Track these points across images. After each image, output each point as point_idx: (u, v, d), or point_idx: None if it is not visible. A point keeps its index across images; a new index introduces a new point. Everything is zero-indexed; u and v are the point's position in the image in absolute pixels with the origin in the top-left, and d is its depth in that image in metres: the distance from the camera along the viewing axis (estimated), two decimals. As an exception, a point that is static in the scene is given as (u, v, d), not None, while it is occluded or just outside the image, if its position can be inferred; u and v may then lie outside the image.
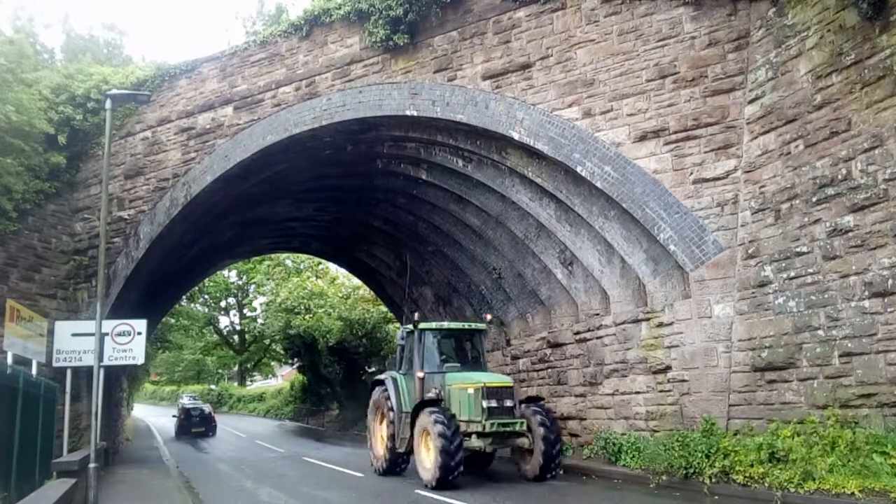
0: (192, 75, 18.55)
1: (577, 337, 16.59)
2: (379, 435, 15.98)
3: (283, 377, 65.55)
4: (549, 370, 17.71)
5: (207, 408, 36.62)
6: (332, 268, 44.31)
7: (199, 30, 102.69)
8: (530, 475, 13.73)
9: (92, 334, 13.72)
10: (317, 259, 41.16)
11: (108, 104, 13.91)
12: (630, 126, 13.79)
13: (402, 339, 16.14)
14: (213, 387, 71.42)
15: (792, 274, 11.37)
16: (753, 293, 12.11)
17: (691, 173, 13.19)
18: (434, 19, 15.93)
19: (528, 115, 14.75)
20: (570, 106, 14.44)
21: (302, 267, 50.77)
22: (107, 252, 15.20)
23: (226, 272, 53.89)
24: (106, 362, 14.44)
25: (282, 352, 47.75)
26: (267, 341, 57.55)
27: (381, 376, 16.61)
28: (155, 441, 31.63)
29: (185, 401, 42.35)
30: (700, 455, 11.50)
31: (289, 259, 51.16)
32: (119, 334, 15.36)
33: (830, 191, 10.82)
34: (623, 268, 15.20)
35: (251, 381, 73.84)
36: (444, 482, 12.75)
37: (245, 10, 77.53)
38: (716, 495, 10.86)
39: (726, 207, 12.85)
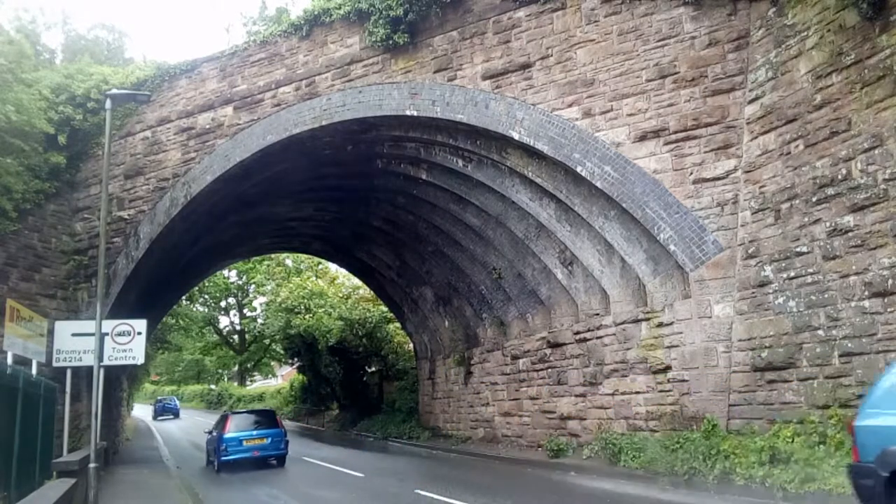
0: (192, 75, 18.55)
1: (577, 337, 16.59)
2: None
3: (283, 377, 65.53)
4: (549, 370, 17.71)
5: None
6: (332, 268, 44.30)
7: (199, 30, 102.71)
8: None
9: (92, 334, 13.72)
10: (317, 259, 41.15)
11: (108, 104, 13.94)
12: (630, 126, 13.79)
13: None
14: (212, 387, 71.40)
15: (792, 274, 11.36)
16: (753, 293, 12.11)
17: (691, 173, 13.19)
18: (434, 19, 15.93)
19: (528, 115, 14.74)
20: (570, 106, 14.43)
21: (302, 267, 50.74)
22: (107, 252, 15.20)
23: (226, 272, 53.86)
24: (106, 362, 14.43)
25: (282, 352, 47.70)
26: (267, 341, 57.50)
27: None
28: (155, 441, 31.62)
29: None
30: (700, 456, 11.49)
31: (289, 259, 51.15)
32: (119, 334, 15.33)
33: (830, 191, 10.81)
34: (623, 268, 15.20)
35: (251, 381, 73.78)
36: None
37: (247, 10, 77.54)
38: (717, 495, 10.86)
39: (726, 207, 12.84)
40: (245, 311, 62.44)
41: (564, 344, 17.14)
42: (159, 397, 61.00)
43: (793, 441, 10.52)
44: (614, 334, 15.19)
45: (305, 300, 36.06)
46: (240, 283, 59.51)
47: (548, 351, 17.90)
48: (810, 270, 11.04)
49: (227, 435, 19.07)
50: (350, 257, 27.94)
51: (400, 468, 17.77)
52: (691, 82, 13.31)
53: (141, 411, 64.97)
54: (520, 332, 19.73)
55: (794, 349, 11.17)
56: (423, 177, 18.61)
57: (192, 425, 39.98)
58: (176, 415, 54.23)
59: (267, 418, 20.78)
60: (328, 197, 21.91)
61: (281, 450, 19.54)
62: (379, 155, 18.52)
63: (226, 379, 75.55)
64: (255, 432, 19.54)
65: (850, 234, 10.43)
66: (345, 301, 36.81)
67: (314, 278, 45.07)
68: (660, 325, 13.85)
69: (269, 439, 19.38)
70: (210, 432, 21.34)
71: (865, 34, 10.46)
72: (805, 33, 11.60)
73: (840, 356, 10.44)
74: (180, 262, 22.52)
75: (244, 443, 19.05)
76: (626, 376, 14.76)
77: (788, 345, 11.27)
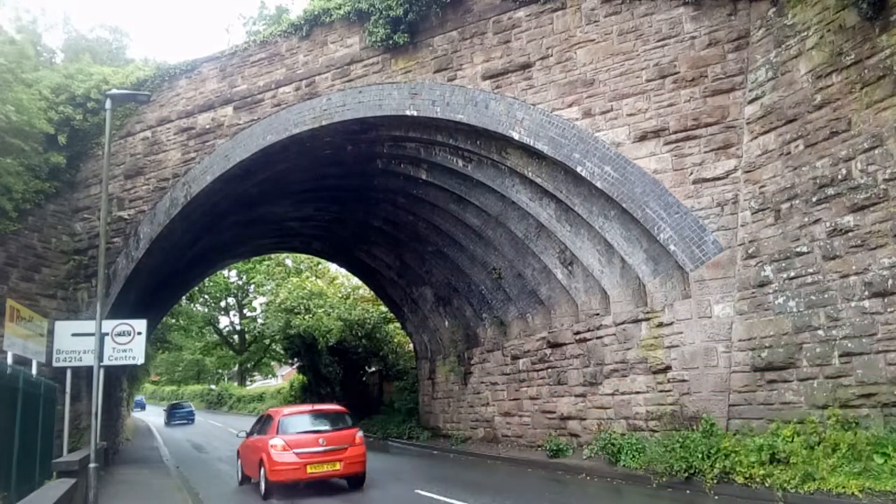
0: (192, 75, 18.55)
1: (577, 337, 16.59)
2: None
3: (283, 377, 65.50)
4: (549, 370, 17.71)
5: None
6: (332, 268, 44.31)
7: (199, 30, 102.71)
8: None
9: (92, 334, 13.72)
10: (316, 259, 41.15)
11: (108, 104, 13.96)
12: (630, 126, 13.79)
13: None
14: (212, 387, 71.40)
15: (792, 274, 11.37)
16: (753, 293, 12.11)
17: (691, 173, 13.19)
18: (434, 19, 15.93)
19: (528, 115, 14.74)
20: (570, 106, 14.44)
21: (302, 267, 50.77)
22: (107, 252, 15.20)
23: (226, 272, 53.86)
24: (106, 362, 14.43)
25: (282, 352, 47.78)
26: (267, 341, 57.51)
27: None
28: (155, 441, 31.63)
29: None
30: (700, 456, 11.50)
31: (289, 259, 51.16)
32: (119, 334, 15.34)
33: (830, 191, 10.82)
34: (623, 268, 15.20)
35: (251, 381, 73.77)
36: None
37: (247, 10, 77.57)
38: (717, 495, 10.86)
39: (726, 207, 12.85)
40: (245, 311, 62.44)
41: (564, 344, 17.14)
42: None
43: (792, 441, 10.52)
44: (614, 334, 15.19)
45: (305, 300, 36.07)
46: (240, 283, 59.51)
47: (548, 351, 17.90)
48: (810, 270, 11.04)
49: (172, 411, 47.59)
50: (350, 257, 27.94)
51: (400, 468, 17.77)
52: (691, 82, 13.31)
53: (145, 412, 65.14)
54: (520, 332, 19.73)
55: (794, 349, 11.17)
56: (423, 177, 18.61)
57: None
58: (143, 408, 69.86)
59: (186, 406, 49.60)
60: (328, 197, 21.91)
61: (192, 419, 46.69)
62: (379, 155, 18.52)
63: (226, 379, 75.55)
64: (182, 410, 47.60)
65: (850, 234, 10.43)
66: (344, 301, 36.84)
67: (313, 278, 45.09)
68: (660, 325, 13.85)
69: (188, 413, 47.24)
70: (166, 410, 49.84)
71: (865, 34, 10.46)
72: (805, 33, 11.60)
73: (840, 356, 10.45)
74: (180, 262, 22.52)
75: (177, 415, 46.66)
76: (626, 376, 14.76)
77: (788, 345, 11.27)
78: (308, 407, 16.04)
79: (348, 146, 17.98)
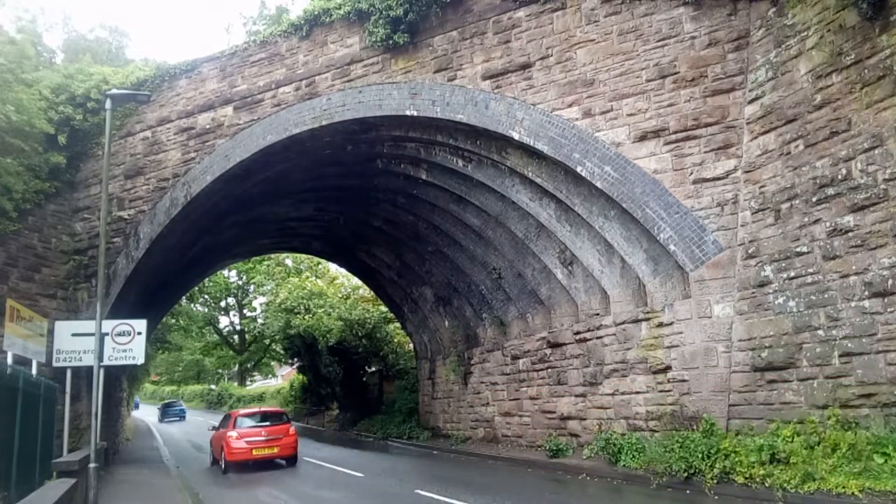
0: (192, 75, 18.55)
1: (577, 337, 16.59)
2: None
3: (283, 377, 65.50)
4: (549, 370, 17.71)
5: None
6: (332, 268, 44.32)
7: (199, 30, 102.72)
8: None
9: (92, 334, 13.72)
10: (316, 259, 41.14)
11: (108, 104, 13.96)
12: (630, 126, 13.79)
13: None
14: (212, 387, 71.37)
15: (792, 274, 11.37)
16: (753, 293, 12.11)
17: (691, 173, 13.19)
18: (434, 19, 15.93)
19: (528, 115, 14.74)
20: (570, 106, 14.44)
21: (302, 267, 50.77)
22: (107, 252, 15.20)
23: (226, 272, 53.87)
24: (106, 362, 14.43)
25: (282, 352, 47.73)
26: (267, 341, 57.49)
27: None
28: (155, 441, 31.64)
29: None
30: (700, 456, 11.50)
31: (289, 259, 51.17)
32: (119, 334, 15.33)
33: (830, 191, 10.82)
34: (623, 268, 15.20)
35: (251, 381, 73.74)
36: None
37: (247, 10, 77.57)
38: (717, 495, 10.86)
39: (726, 207, 12.85)
40: (245, 311, 62.41)
41: (564, 344, 17.14)
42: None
43: (792, 441, 10.53)
44: (614, 334, 15.19)
45: (305, 300, 36.05)
46: (240, 283, 59.48)
47: (548, 351, 17.90)
48: (810, 270, 11.05)
49: (166, 409, 52.67)
50: (350, 257, 27.93)
51: (400, 468, 17.78)
52: (691, 82, 13.31)
53: (141, 411, 65.18)
54: (520, 332, 19.73)
55: (794, 349, 11.17)
56: (423, 177, 18.60)
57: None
58: (136, 407, 72.52)
59: (178, 405, 54.63)
60: (328, 197, 21.91)
61: (183, 416, 52.08)
62: (379, 155, 18.52)
63: (226, 379, 75.51)
64: (174, 409, 53.05)
65: (850, 234, 10.43)
66: (344, 301, 36.83)
67: (313, 278, 45.07)
68: (660, 325, 13.85)
69: (179, 411, 52.70)
70: (159, 408, 54.93)
71: (865, 34, 10.47)
72: (805, 33, 11.60)
73: (840, 356, 10.45)
74: (180, 262, 22.51)
75: (170, 412, 51.90)
76: (626, 376, 14.76)
77: (788, 345, 11.27)
78: (256, 409, 22.20)
79: (348, 146, 17.98)
